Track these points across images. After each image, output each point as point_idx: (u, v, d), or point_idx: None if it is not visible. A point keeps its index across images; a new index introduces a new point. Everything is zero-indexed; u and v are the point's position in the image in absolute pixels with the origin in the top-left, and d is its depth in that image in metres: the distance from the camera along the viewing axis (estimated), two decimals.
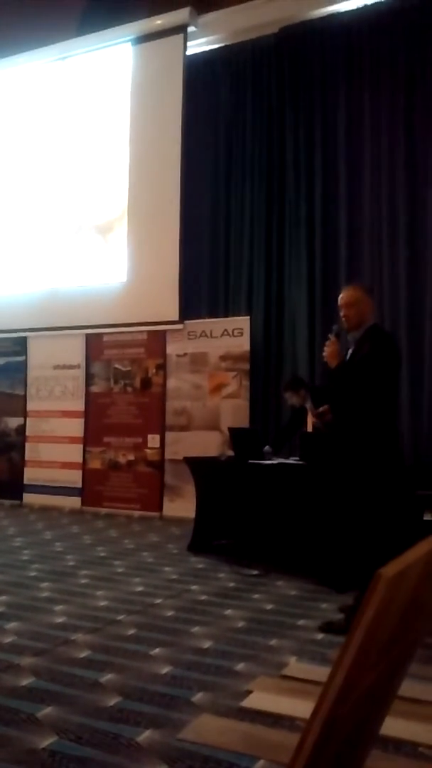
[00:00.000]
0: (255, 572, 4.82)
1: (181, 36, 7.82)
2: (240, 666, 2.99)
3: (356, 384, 3.53)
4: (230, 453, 5.94)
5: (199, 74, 7.90)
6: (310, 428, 5.76)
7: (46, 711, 2.49)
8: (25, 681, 2.77)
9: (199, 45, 7.95)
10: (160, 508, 7.51)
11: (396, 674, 0.76)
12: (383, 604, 0.59)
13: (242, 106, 7.78)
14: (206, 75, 7.98)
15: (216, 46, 7.98)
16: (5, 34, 8.51)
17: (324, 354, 3.71)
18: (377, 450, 3.50)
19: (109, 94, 8.31)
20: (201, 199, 7.84)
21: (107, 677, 2.83)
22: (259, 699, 2.63)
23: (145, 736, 2.30)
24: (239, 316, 7.39)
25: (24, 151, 8.84)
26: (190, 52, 7.85)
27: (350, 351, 3.68)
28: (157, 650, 3.18)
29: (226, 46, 7.93)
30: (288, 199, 7.37)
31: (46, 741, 2.25)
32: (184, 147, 7.67)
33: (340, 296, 3.77)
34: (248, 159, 7.68)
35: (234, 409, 7.18)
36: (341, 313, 3.72)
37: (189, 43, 7.83)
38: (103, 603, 4.00)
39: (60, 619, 3.64)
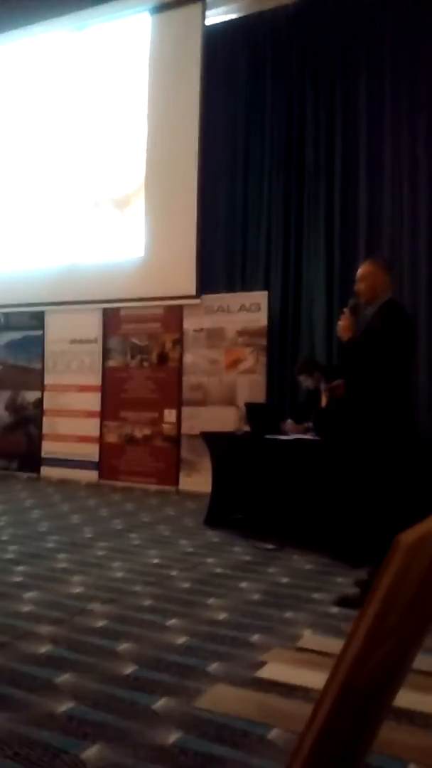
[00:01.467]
0: (270, 546, 4.84)
1: (199, 4, 7.68)
2: (255, 637, 3.02)
3: (366, 358, 3.53)
4: (246, 428, 5.95)
5: (218, 44, 7.77)
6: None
7: (64, 677, 2.53)
8: (43, 648, 2.82)
9: (217, 14, 7.82)
10: (176, 482, 7.55)
11: (412, 645, 0.76)
12: (401, 571, 0.58)
13: (261, 77, 7.66)
14: (225, 45, 7.85)
15: (235, 15, 7.84)
16: (22, 4, 8.41)
17: (338, 327, 3.72)
18: (388, 424, 3.49)
19: (126, 65, 8.22)
20: (219, 172, 7.76)
21: (123, 646, 2.87)
22: (274, 670, 2.66)
23: (160, 703, 2.34)
24: (257, 291, 7.35)
25: (41, 124, 8.79)
26: (208, 22, 7.72)
27: (363, 325, 3.68)
28: (172, 621, 3.22)
29: (245, 15, 7.79)
30: (307, 173, 7.28)
31: (64, 706, 2.30)
32: (203, 119, 7.57)
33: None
34: (267, 132, 7.58)
35: (250, 384, 7.18)
36: (355, 287, 3.73)
37: (207, 13, 7.70)
38: (119, 574, 4.04)
39: (77, 590, 3.69)
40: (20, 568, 4.12)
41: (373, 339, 3.53)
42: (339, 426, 4.17)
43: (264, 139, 7.59)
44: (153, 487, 7.62)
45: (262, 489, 5.33)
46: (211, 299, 7.48)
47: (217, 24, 7.84)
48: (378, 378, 3.51)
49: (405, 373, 3.68)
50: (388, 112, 6.85)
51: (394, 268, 4.28)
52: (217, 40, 7.75)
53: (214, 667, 2.68)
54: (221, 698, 2.41)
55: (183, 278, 7.55)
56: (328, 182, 7.11)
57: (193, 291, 7.53)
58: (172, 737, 2.11)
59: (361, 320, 3.74)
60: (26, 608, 3.35)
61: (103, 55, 8.41)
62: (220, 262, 7.78)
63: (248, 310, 7.24)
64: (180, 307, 7.66)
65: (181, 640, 2.97)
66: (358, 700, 0.62)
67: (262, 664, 2.72)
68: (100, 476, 8.07)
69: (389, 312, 3.63)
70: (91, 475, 8.12)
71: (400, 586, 0.61)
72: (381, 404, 3.50)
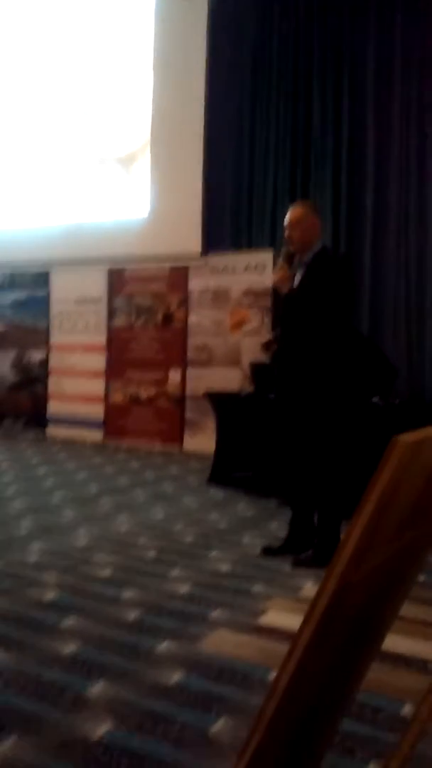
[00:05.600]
0: (273, 503, 4.89)
1: None
2: (257, 588, 3.08)
3: (311, 309, 3.38)
4: (251, 389, 5.96)
5: None
6: None
7: (69, 622, 2.59)
8: (50, 595, 2.88)
9: None
10: (180, 442, 7.60)
11: (413, 560, 0.77)
12: (399, 473, 0.59)
13: (269, 28, 7.46)
14: None
15: None
16: None
17: (273, 280, 3.56)
18: (327, 378, 3.38)
19: (132, 19, 8.04)
20: (225, 130, 7.63)
21: (127, 594, 2.93)
22: (275, 617, 2.71)
23: (163, 646, 2.40)
24: (262, 250, 7.28)
25: (45, 80, 8.64)
26: None
27: (299, 275, 3.47)
28: (176, 571, 3.27)
29: None
30: (314, 127, 7.14)
31: (69, 648, 2.36)
32: (210, 75, 7.43)
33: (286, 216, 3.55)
34: (275, 90, 7.41)
35: (255, 345, 7.14)
36: (285, 234, 3.52)
37: None
38: (124, 528, 4.10)
39: (82, 541, 3.75)
40: (27, 521, 4.17)
41: (319, 288, 3.37)
42: (283, 382, 3.93)
43: (271, 96, 7.44)
44: (157, 447, 7.67)
45: (265, 448, 5.36)
46: (216, 259, 7.43)
47: None
48: (326, 327, 3.37)
49: (348, 318, 3.52)
50: (398, 63, 6.65)
51: (318, 210, 3.95)
52: None
53: (216, 614, 2.73)
54: (223, 642, 2.46)
55: (188, 238, 7.49)
56: (335, 138, 6.99)
57: (198, 250, 7.48)
58: (175, 677, 2.16)
59: (292, 270, 3.54)
60: (33, 558, 3.41)
61: (109, 8, 8.22)
62: (226, 221, 7.69)
63: (253, 270, 7.19)
64: (185, 267, 7.62)
65: (184, 588, 3.02)
66: (357, 600, 0.64)
67: (264, 612, 2.77)
68: (106, 436, 8.12)
69: (331, 261, 3.46)
70: (97, 435, 8.16)
71: (397, 489, 0.62)
72: (321, 358, 3.37)
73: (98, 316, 8.23)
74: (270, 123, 7.43)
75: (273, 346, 3.64)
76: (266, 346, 3.77)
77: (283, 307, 3.55)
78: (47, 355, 8.63)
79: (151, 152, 7.86)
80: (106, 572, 3.22)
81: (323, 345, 3.37)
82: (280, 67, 7.37)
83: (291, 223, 3.48)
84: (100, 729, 1.85)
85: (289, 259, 3.49)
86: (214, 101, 7.45)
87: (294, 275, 3.47)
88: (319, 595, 0.65)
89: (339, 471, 3.43)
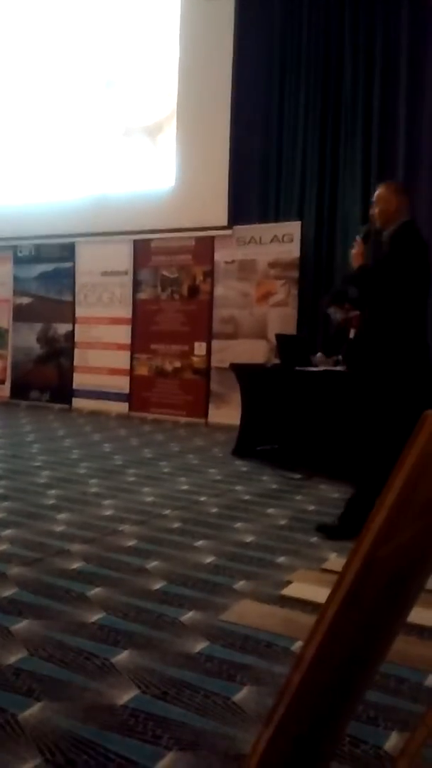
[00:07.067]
0: (298, 476, 4.89)
1: None
2: (281, 559, 3.09)
3: (375, 287, 3.39)
4: (277, 361, 5.93)
5: None
6: None
7: (95, 591, 2.62)
8: (75, 564, 2.92)
9: None
10: (205, 414, 7.62)
11: None
12: (429, 448, 0.58)
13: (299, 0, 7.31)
14: None
15: None
16: None
17: (350, 256, 3.60)
18: (397, 355, 3.35)
19: None
20: (253, 98, 7.50)
21: (153, 564, 2.96)
22: (299, 589, 2.72)
23: (188, 616, 2.42)
24: (290, 221, 7.19)
25: (70, 50, 8.55)
26: None
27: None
28: (201, 542, 3.29)
29: None
30: (344, 97, 7.00)
31: (95, 616, 2.39)
32: (237, 44, 7.30)
33: None
34: (303, 57, 7.26)
35: (281, 317, 7.12)
36: (370, 212, 3.65)
37: None
38: (149, 499, 4.13)
39: (108, 512, 3.79)
40: (53, 491, 4.22)
41: (381, 266, 3.40)
42: (358, 357, 3.97)
43: (301, 65, 7.28)
44: (182, 419, 7.70)
45: (291, 420, 5.35)
46: (243, 230, 7.36)
47: None
48: (388, 307, 3.36)
49: (418, 300, 3.46)
50: (431, 42, 6.50)
51: (409, 191, 3.98)
52: None
53: (240, 584, 2.75)
54: (247, 612, 2.48)
55: (214, 208, 7.43)
56: (366, 106, 6.84)
57: (224, 222, 7.41)
58: (199, 646, 2.18)
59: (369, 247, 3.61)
60: (59, 528, 3.45)
61: None
62: (253, 192, 7.60)
63: (281, 241, 7.12)
64: (211, 239, 7.56)
65: (208, 559, 3.05)
66: (384, 575, 0.63)
67: (288, 583, 2.78)
68: (131, 408, 8.17)
69: (400, 237, 3.43)
70: (122, 407, 8.22)
71: (427, 465, 0.60)
72: (390, 334, 3.34)
73: (123, 288, 8.24)
74: (299, 92, 7.28)
75: (354, 322, 3.69)
76: (343, 322, 3.80)
77: (353, 283, 3.60)
78: (73, 328, 8.67)
79: (177, 122, 7.77)
80: (131, 542, 3.25)
81: (392, 324, 3.37)
82: (310, 36, 7.20)
83: (374, 201, 3.61)
84: (126, 695, 1.87)
85: (366, 237, 3.57)
86: (241, 69, 7.32)
87: (366, 252, 3.57)
88: (346, 569, 0.64)
89: (381, 447, 3.41)
